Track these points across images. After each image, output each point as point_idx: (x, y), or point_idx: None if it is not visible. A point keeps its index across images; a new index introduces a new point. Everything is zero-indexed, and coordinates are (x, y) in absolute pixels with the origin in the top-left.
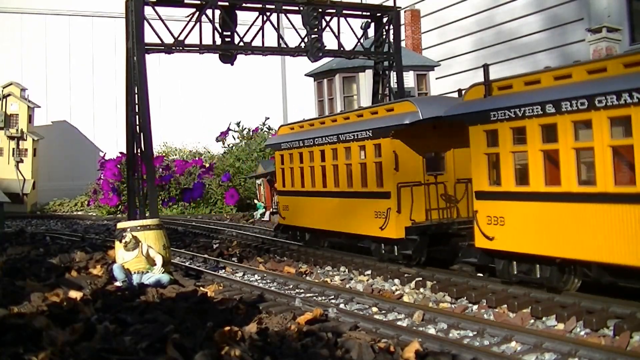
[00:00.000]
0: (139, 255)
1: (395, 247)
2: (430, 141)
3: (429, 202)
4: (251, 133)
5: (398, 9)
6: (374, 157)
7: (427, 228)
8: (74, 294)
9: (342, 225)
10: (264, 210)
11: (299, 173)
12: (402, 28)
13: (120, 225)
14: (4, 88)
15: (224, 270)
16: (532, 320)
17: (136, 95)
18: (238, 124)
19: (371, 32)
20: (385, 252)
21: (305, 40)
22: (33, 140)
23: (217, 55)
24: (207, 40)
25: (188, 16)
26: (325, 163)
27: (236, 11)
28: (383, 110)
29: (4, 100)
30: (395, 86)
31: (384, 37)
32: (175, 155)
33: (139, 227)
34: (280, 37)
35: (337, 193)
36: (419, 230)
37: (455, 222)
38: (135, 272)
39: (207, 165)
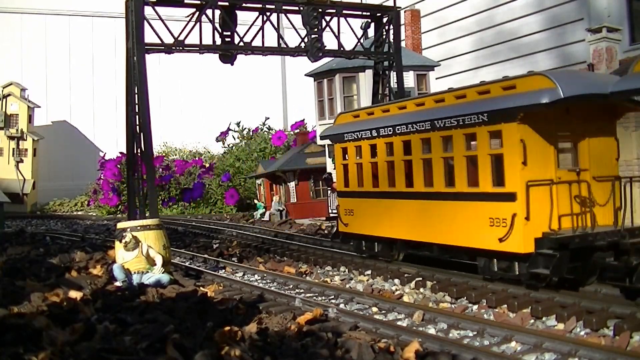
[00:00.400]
0: (139, 255)
1: (517, 263)
2: (562, 128)
3: (569, 206)
4: (251, 133)
5: (398, 9)
6: (490, 148)
7: (569, 240)
8: (74, 294)
9: (434, 235)
10: (264, 210)
11: (370, 169)
12: (402, 28)
13: (120, 225)
14: (4, 88)
15: (224, 270)
16: (532, 320)
17: (136, 95)
18: (238, 124)
19: (371, 32)
20: (499, 270)
21: (305, 40)
22: (33, 140)
23: (217, 55)
24: (207, 40)
25: (188, 16)
26: (411, 156)
27: (236, 11)
28: (498, 88)
29: (4, 100)
30: (395, 86)
31: (384, 37)
32: (175, 155)
33: (139, 227)
34: (280, 37)
35: (429, 194)
36: (557, 243)
37: (605, 232)
38: (135, 272)
39: (207, 165)
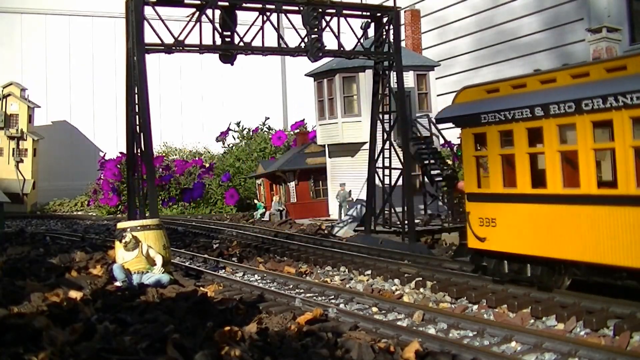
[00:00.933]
0: (139, 255)
1: None
2: None
3: None
4: (251, 133)
5: (398, 9)
6: None
7: None
8: (74, 294)
9: None
10: (264, 210)
11: (527, 163)
12: (402, 28)
13: (120, 225)
14: (4, 88)
15: (224, 270)
16: (532, 320)
17: (136, 95)
18: (238, 124)
19: (371, 32)
20: None
21: (305, 40)
22: (33, 140)
23: (217, 55)
24: (207, 40)
25: (188, 16)
26: (612, 143)
27: (236, 11)
28: None
29: (4, 100)
30: (395, 86)
31: (384, 37)
32: (175, 155)
33: (139, 227)
34: (280, 37)
35: None
36: None
37: None
38: (135, 272)
39: (207, 165)
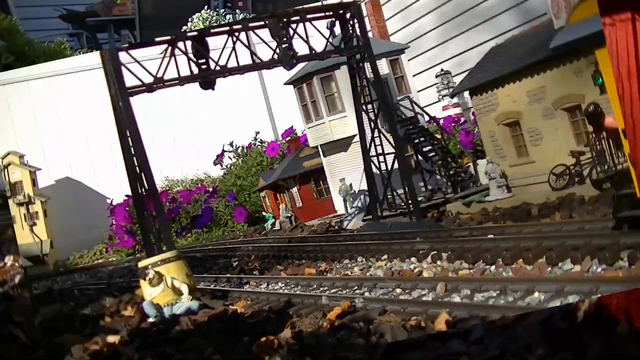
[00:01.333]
0: (164, 289)
1: None
2: None
3: None
4: (245, 150)
5: (358, 2)
6: None
7: None
8: (112, 339)
9: None
10: (273, 220)
11: None
12: (366, 20)
13: (141, 263)
14: (3, 159)
15: (248, 285)
16: (550, 268)
17: (129, 138)
18: (231, 144)
19: (338, 30)
20: None
21: (277, 51)
22: (41, 202)
23: (198, 83)
24: (185, 71)
25: (161, 53)
26: None
27: (206, 38)
28: None
29: (6, 170)
30: (372, 76)
31: (351, 32)
32: (179, 186)
33: (159, 262)
34: (252, 53)
35: None
36: None
37: None
38: (165, 305)
39: (211, 189)
